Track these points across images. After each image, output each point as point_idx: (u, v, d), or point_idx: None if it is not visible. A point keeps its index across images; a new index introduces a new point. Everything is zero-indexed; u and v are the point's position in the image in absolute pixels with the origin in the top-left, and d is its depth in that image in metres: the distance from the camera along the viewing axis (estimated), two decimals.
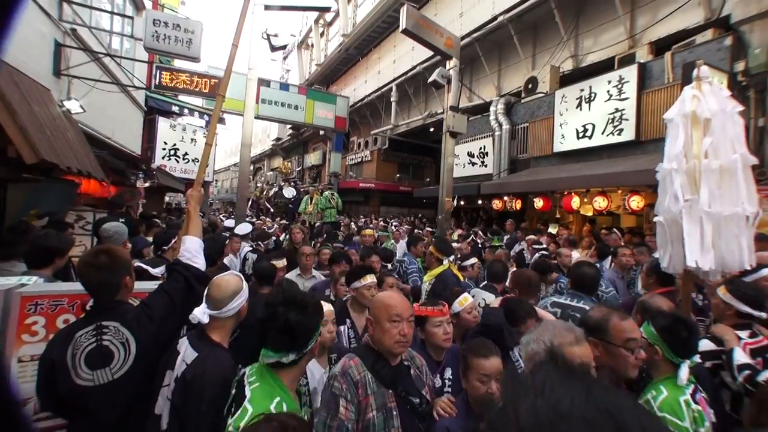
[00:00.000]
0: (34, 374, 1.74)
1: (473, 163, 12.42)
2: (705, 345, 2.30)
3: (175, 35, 7.47)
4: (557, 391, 0.41)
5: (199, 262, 1.92)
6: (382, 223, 12.31)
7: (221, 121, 16.43)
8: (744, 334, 2.24)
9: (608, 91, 8.00)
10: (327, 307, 2.13)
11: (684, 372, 1.67)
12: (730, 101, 2.45)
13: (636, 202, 7.08)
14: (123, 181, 9.68)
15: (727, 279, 2.49)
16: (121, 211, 6.62)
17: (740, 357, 2.03)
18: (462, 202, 12.89)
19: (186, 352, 1.60)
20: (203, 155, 2.66)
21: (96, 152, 6.84)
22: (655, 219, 2.65)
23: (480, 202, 12.27)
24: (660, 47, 7.88)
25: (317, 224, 10.38)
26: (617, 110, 7.86)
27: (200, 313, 1.66)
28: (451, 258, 4.19)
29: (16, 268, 2.67)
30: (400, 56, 16.30)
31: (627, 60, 8.08)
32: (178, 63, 10.74)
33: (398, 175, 19.92)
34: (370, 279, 2.81)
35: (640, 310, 2.37)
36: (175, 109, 14.09)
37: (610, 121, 8.01)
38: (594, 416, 0.39)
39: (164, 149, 13.78)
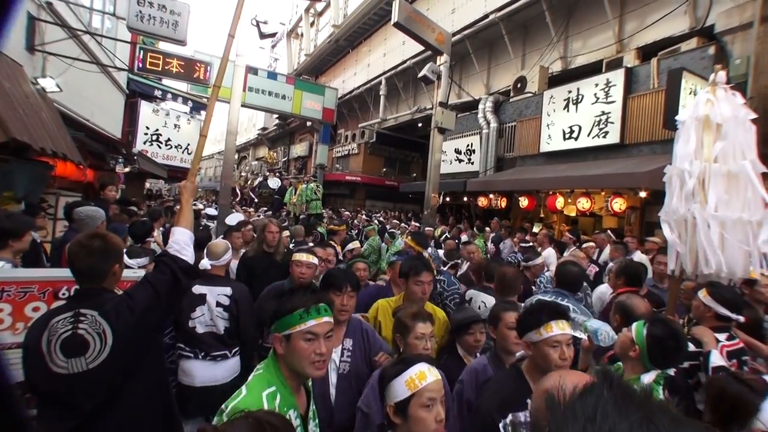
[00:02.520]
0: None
1: (460, 160, 12.47)
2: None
3: (160, 16, 7.26)
4: (611, 418, 0.36)
5: (188, 255, 1.84)
6: (364, 216, 12.27)
7: (206, 107, 15.98)
8: (722, 336, 2.31)
9: (595, 94, 8.11)
10: None
11: (647, 378, 1.73)
12: (743, 108, 2.48)
13: (618, 204, 7.23)
14: (101, 165, 9.36)
15: (709, 282, 2.55)
16: (99, 198, 6.39)
17: (716, 359, 2.09)
18: (448, 199, 12.95)
19: (215, 290, 2.78)
20: (198, 147, 2.58)
21: (73, 134, 6.59)
22: (661, 220, 2.65)
23: (465, 199, 12.35)
24: (646, 53, 8.04)
25: (302, 216, 10.34)
26: (603, 113, 7.99)
27: (205, 263, 2.83)
28: (429, 251, 4.43)
29: None
30: (391, 50, 16.19)
31: (614, 64, 8.21)
32: (162, 46, 10.38)
33: (384, 170, 19.89)
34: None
35: (618, 310, 2.43)
36: (158, 93, 13.73)
37: (596, 123, 8.14)
38: None
39: (146, 134, 13.47)
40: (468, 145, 12.11)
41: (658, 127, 7.01)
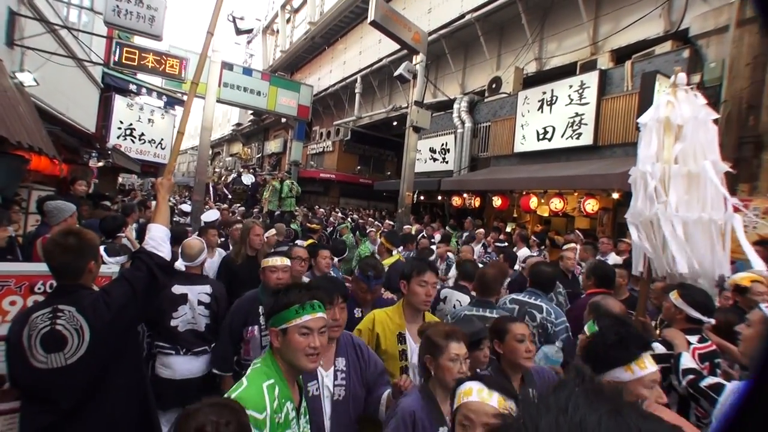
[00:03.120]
0: None
1: (435, 159, 12.45)
2: (657, 348, 2.34)
3: (137, 11, 7.28)
4: (582, 410, 0.38)
5: (164, 251, 1.85)
6: (340, 214, 12.09)
7: (180, 102, 15.72)
8: (694, 338, 2.29)
9: (569, 96, 8.18)
10: None
11: None
12: (705, 109, 2.47)
13: (591, 205, 7.30)
14: (75, 159, 9.16)
15: (680, 284, 2.52)
16: (69, 193, 6.20)
17: (686, 362, 2.06)
18: (422, 197, 12.91)
19: (195, 288, 2.84)
20: (175, 143, 2.60)
21: (48, 128, 6.55)
22: (628, 222, 2.64)
23: (440, 198, 12.33)
24: (621, 55, 8.15)
25: (277, 213, 10.14)
26: (577, 114, 8.06)
27: (179, 264, 2.86)
28: (400, 249, 4.65)
29: None
30: (366, 48, 16.06)
31: (588, 66, 8.30)
32: (138, 40, 10.25)
33: (359, 167, 19.79)
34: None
35: (591, 311, 2.41)
36: (132, 87, 13.59)
37: (569, 124, 8.21)
38: None
39: (120, 128, 13.37)
40: (443, 145, 12.10)
41: (631, 130, 7.08)
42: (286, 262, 2.73)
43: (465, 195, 10.67)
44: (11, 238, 3.27)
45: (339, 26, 18.00)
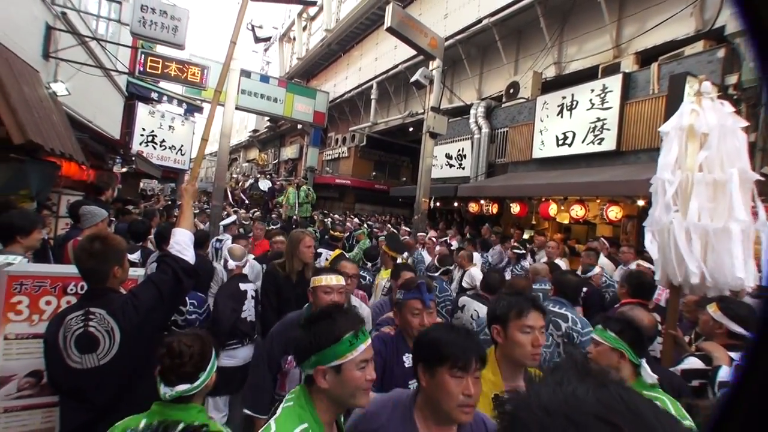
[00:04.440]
0: (19, 352, 1.97)
1: (451, 165, 12.34)
2: (693, 363, 2.23)
3: (161, 21, 7.51)
4: (573, 383, 0.46)
5: (188, 255, 1.92)
6: (356, 220, 12.06)
7: (200, 108, 16.05)
8: (737, 355, 2.14)
9: (591, 100, 7.99)
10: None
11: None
12: (732, 116, 2.42)
13: (614, 213, 7.09)
14: (101, 165, 9.50)
15: (720, 297, 2.40)
16: (99, 198, 6.55)
17: (725, 374, 1.96)
18: (438, 204, 12.79)
19: (249, 285, 3.28)
20: (199, 150, 2.66)
21: (77, 135, 6.82)
22: (646, 229, 2.62)
23: (456, 204, 12.20)
24: (646, 58, 7.88)
25: (294, 217, 10.20)
26: (599, 119, 7.86)
27: (232, 264, 3.28)
28: (405, 255, 4.56)
29: None
30: (382, 54, 16.10)
31: (611, 69, 8.09)
32: (160, 49, 10.55)
33: (374, 173, 19.81)
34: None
35: None
36: (154, 95, 14.07)
37: (591, 129, 8.01)
38: (609, 401, 0.43)
39: (142, 135, 13.82)
40: (459, 150, 11.99)
41: (657, 134, 6.80)
42: (342, 281, 2.25)
43: (482, 201, 10.53)
44: (43, 241, 3.38)
45: (355, 33, 18.09)
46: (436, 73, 9.05)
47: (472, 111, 11.28)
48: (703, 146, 2.36)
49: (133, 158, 11.37)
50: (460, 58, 12.25)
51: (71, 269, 1.97)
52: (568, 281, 3.06)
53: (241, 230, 7.01)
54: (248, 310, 3.20)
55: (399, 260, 4.03)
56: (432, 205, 11.54)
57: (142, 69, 9.74)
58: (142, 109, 13.77)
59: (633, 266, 4.54)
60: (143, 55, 9.73)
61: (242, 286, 3.22)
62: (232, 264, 3.31)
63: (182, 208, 2.19)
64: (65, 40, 7.04)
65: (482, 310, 3.08)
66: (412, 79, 9.32)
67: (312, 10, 21.92)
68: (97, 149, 8.65)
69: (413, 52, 11.84)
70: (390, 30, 8.01)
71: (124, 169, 10.85)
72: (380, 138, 18.16)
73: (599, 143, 7.89)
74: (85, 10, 8.03)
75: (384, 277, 3.72)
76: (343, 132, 19.78)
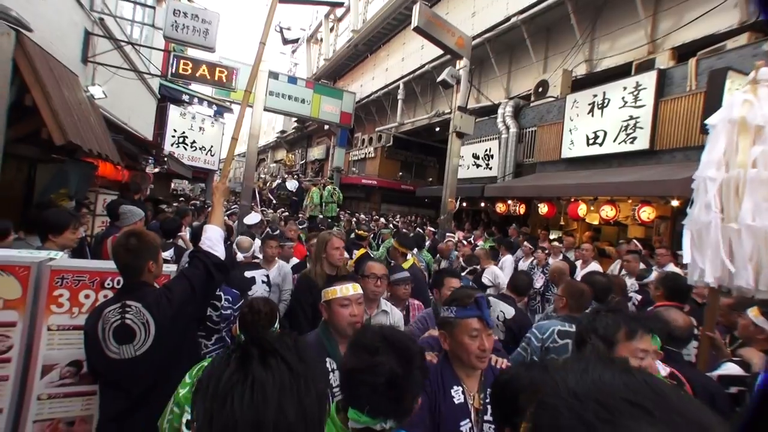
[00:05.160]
0: (60, 342, 2.08)
1: (478, 165, 12.20)
2: (731, 369, 2.13)
3: (193, 25, 7.69)
4: (599, 369, 0.48)
5: (219, 251, 1.99)
6: (382, 220, 12.10)
7: (229, 110, 16.47)
8: None
9: (623, 98, 7.72)
10: None
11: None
12: None
13: (647, 213, 6.81)
14: (135, 165, 9.85)
15: (762, 300, 2.28)
16: (135, 197, 7.15)
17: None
18: (464, 204, 12.65)
19: (257, 272, 3.52)
20: (229, 149, 2.71)
21: (113, 136, 7.03)
22: (684, 228, 2.46)
23: (483, 204, 12.04)
24: (683, 53, 7.55)
25: (319, 217, 10.33)
26: (631, 117, 7.59)
27: (240, 257, 3.53)
28: (415, 251, 4.39)
29: (35, 242, 2.83)
30: (409, 54, 16.09)
31: (645, 66, 7.79)
32: (191, 52, 11.01)
33: (401, 173, 19.78)
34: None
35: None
36: (185, 97, 14.43)
37: (623, 128, 7.75)
38: (636, 385, 0.44)
39: (173, 136, 14.21)
40: (486, 150, 11.84)
41: (694, 132, 6.54)
42: (359, 289, 1.91)
43: (509, 202, 10.35)
44: (81, 239, 3.55)
45: (382, 33, 18.16)
46: (464, 73, 8.97)
47: (500, 110, 11.12)
48: (757, 140, 2.17)
49: (165, 159, 11.69)
50: (487, 56, 12.10)
51: (108, 264, 2.08)
52: (596, 282, 2.97)
53: (268, 230, 7.18)
54: (259, 293, 3.35)
55: (409, 256, 3.91)
56: (458, 205, 11.45)
57: (174, 71, 10.08)
58: (173, 110, 14.14)
59: (670, 269, 4.37)
60: (175, 58, 10.02)
61: (248, 273, 3.37)
62: (240, 256, 3.55)
63: (213, 206, 2.24)
64: (102, 45, 7.28)
65: (509, 311, 3.02)
66: (439, 79, 9.26)
67: (339, 11, 22.17)
68: (131, 150, 8.96)
69: (440, 52, 11.79)
70: (417, 30, 8.01)
71: (157, 170, 11.11)
72: (407, 138, 18.15)
73: (631, 142, 7.61)
74: (121, 15, 8.31)
75: None
76: (370, 132, 19.89)
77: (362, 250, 4.36)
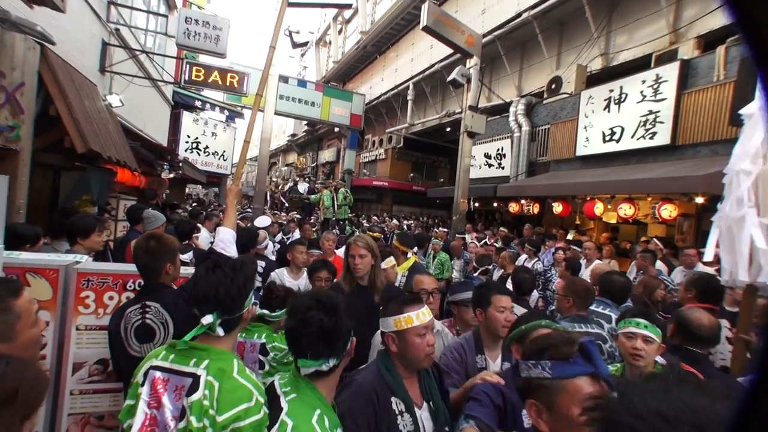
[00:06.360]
0: (88, 341, 2.19)
1: (490, 165, 12.07)
2: None
3: (204, 32, 7.82)
4: (687, 392, 0.43)
5: (231, 252, 2.05)
6: (395, 221, 12.04)
7: (240, 115, 16.63)
8: None
9: (642, 92, 7.51)
10: None
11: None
12: None
13: (668, 211, 6.60)
14: (151, 171, 10.06)
15: None
16: (152, 202, 7.29)
17: None
18: (477, 204, 12.54)
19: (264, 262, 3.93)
20: (242, 152, 2.75)
21: (130, 143, 7.20)
22: (713, 225, 2.35)
23: (495, 204, 11.91)
24: (709, 42, 7.22)
25: (332, 219, 10.34)
26: (651, 112, 7.38)
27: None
28: (415, 250, 4.39)
29: (62, 247, 2.97)
30: (418, 54, 16.03)
31: (667, 57, 7.54)
32: (202, 58, 11.16)
33: (412, 175, 19.71)
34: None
35: (674, 321, 2.19)
36: (198, 103, 14.70)
37: (641, 123, 7.55)
38: (727, 412, 0.40)
39: (187, 142, 14.49)
40: (498, 150, 11.70)
41: (721, 125, 6.27)
42: (430, 313, 1.60)
43: (523, 201, 10.21)
44: (105, 242, 3.64)
45: (390, 34, 18.13)
46: (474, 71, 8.89)
47: (512, 108, 10.99)
48: None
49: (180, 164, 11.91)
50: (498, 54, 11.97)
51: (130, 267, 2.16)
52: (614, 281, 2.97)
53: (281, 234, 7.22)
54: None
55: (410, 255, 3.86)
56: (471, 205, 11.33)
57: (186, 78, 10.27)
58: (186, 117, 14.43)
59: (699, 269, 4.21)
60: (187, 65, 10.23)
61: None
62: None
63: (227, 208, 2.29)
64: (118, 54, 7.49)
65: (518, 310, 2.95)
66: (449, 78, 9.20)
67: (347, 14, 22.22)
68: (147, 156, 9.13)
69: (450, 51, 11.71)
70: (426, 29, 7.98)
71: (172, 175, 11.35)
72: (417, 139, 18.08)
73: (651, 138, 7.42)
74: (135, 25, 8.49)
75: (400, 272, 3.60)
76: (380, 134, 19.86)
77: (412, 259, 3.86)
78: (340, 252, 3.85)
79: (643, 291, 3.31)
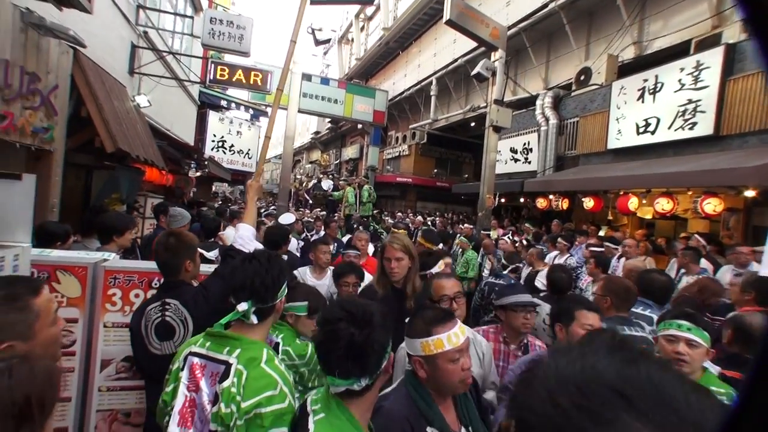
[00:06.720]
0: (115, 339, 2.22)
1: (516, 160, 11.79)
2: None
3: (228, 31, 7.97)
4: (599, 356, 0.42)
5: (251, 248, 1.99)
6: (419, 218, 11.92)
7: (265, 113, 16.89)
8: None
9: (680, 80, 7.09)
10: None
11: None
12: None
13: (712, 206, 6.17)
14: (178, 170, 10.34)
15: None
16: (179, 202, 7.47)
17: None
18: (503, 200, 12.27)
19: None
20: (263, 148, 2.75)
21: (157, 143, 7.37)
22: None
23: (522, 200, 11.61)
24: None
25: (355, 215, 10.35)
26: (690, 101, 6.97)
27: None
28: (440, 246, 4.29)
29: (92, 245, 3.04)
30: (441, 49, 15.83)
31: (709, 42, 7.09)
32: (227, 58, 11.38)
33: (436, 171, 19.52)
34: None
35: (731, 325, 2.07)
36: (223, 103, 14.99)
37: (680, 113, 7.14)
38: (631, 376, 0.39)
39: (213, 141, 14.76)
40: (525, 144, 11.40)
41: None
42: (466, 332, 1.45)
43: (551, 197, 9.90)
44: (133, 240, 3.71)
45: (413, 29, 17.97)
46: (499, 65, 8.69)
47: (539, 102, 10.67)
48: None
49: (206, 163, 12.18)
50: (524, 46, 11.64)
51: (155, 265, 2.15)
52: (654, 280, 2.81)
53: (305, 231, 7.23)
54: None
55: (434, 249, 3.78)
56: (497, 201, 11.09)
57: (212, 77, 10.49)
58: (212, 116, 14.72)
59: (752, 269, 3.91)
60: (212, 65, 10.46)
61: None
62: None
63: (247, 204, 2.28)
64: (146, 56, 7.69)
65: (545, 309, 2.84)
66: (473, 72, 9.02)
67: (369, 10, 22.18)
68: (174, 155, 9.38)
69: (473, 45, 11.49)
70: (449, 23, 7.83)
71: (198, 173, 11.67)
72: (441, 135, 17.86)
73: (690, 128, 7.01)
74: (163, 27, 8.70)
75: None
76: (404, 130, 19.75)
77: (448, 259, 3.47)
78: (370, 250, 3.80)
79: (698, 293, 3.08)
